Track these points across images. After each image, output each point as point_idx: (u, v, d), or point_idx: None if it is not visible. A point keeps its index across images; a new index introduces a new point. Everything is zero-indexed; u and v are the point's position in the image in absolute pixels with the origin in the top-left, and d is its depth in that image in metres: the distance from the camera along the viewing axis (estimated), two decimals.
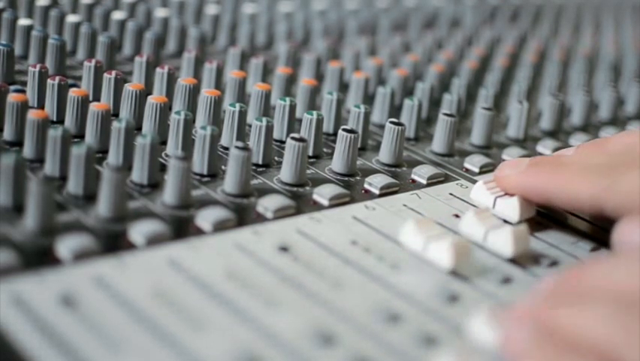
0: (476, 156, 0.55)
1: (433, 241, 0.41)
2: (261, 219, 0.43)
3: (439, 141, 0.56)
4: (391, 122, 0.52)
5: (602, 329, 0.30)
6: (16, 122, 0.47)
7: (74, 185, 0.42)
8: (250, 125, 0.51)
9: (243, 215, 0.43)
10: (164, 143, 0.49)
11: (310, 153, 0.52)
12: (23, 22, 0.62)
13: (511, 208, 0.46)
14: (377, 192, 0.48)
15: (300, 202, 0.45)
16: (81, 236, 0.38)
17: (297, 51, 0.68)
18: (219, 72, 0.58)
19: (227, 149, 0.50)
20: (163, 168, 0.46)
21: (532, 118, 0.64)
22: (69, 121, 0.49)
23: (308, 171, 0.49)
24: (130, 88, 0.51)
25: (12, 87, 0.51)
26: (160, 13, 0.72)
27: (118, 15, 0.68)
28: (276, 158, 0.51)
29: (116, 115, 0.53)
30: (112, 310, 0.34)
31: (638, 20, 1.09)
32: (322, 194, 0.46)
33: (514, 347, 0.32)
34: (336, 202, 0.46)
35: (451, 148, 0.56)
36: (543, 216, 0.48)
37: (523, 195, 0.46)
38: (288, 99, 0.53)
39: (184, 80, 0.54)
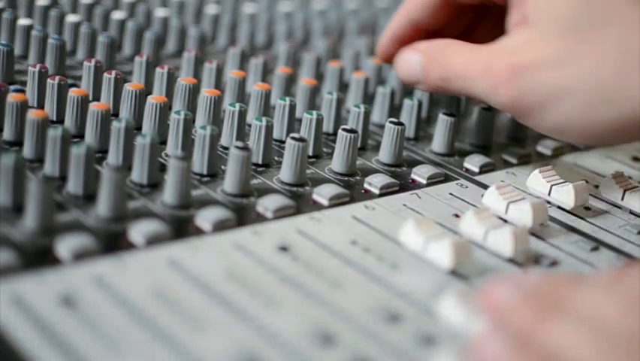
0: (476, 156, 0.55)
1: (432, 241, 0.41)
2: (260, 219, 0.43)
3: (439, 141, 0.56)
4: (391, 122, 0.52)
5: (578, 351, 0.30)
6: (16, 122, 0.47)
7: (74, 185, 0.42)
8: (250, 125, 0.51)
9: (242, 215, 0.43)
10: (164, 143, 0.49)
11: (310, 153, 0.52)
12: (23, 22, 0.62)
13: (524, 215, 0.46)
14: (377, 191, 0.48)
15: (300, 202, 0.45)
16: (81, 236, 0.38)
17: (297, 51, 0.68)
18: (219, 72, 0.58)
19: (227, 149, 0.50)
20: (163, 168, 0.46)
21: None
22: (69, 121, 0.49)
23: (308, 171, 0.49)
24: (130, 88, 0.51)
25: (12, 87, 0.51)
26: (160, 13, 0.72)
27: (118, 15, 0.68)
28: (275, 158, 0.51)
29: (116, 115, 0.53)
30: (112, 310, 0.34)
31: None
32: (322, 194, 0.46)
33: (487, 354, 0.31)
34: (336, 202, 0.46)
35: (451, 148, 0.56)
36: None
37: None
38: (287, 99, 0.53)
39: (184, 79, 0.54)
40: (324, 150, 0.53)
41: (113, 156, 0.46)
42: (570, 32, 0.46)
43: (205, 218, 0.41)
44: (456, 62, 0.50)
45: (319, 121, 0.52)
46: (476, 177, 0.53)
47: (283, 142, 0.50)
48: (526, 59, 0.47)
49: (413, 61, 0.53)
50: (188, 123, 0.48)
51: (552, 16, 0.47)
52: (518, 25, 0.49)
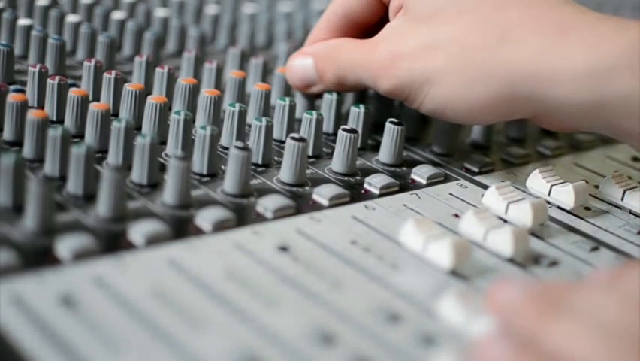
0: (476, 156, 0.55)
1: (432, 241, 0.41)
2: (260, 219, 0.43)
3: (438, 141, 0.56)
4: (391, 122, 0.52)
5: (580, 350, 0.30)
6: (15, 122, 0.47)
7: (74, 185, 0.42)
8: (250, 125, 0.51)
9: (242, 215, 0.43)
10: (164, 143, 0.49)
11: (310, 153, 0.52)
12: (23, 22, 0.62)
13: (524, 215, 0.46)
14: (377, 192, 0.48)
15: (300, 202, 0.45)
16: (81, 236, 0.38)
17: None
18: (219, 72, 0.58)
19: (227, 149, 0.50)
20: (163, 168, 0.46)
21: None
22: (69, 121, 0.49)
23: (308, 171, 0.49)
24: (130, 88, 0.51)
25: (12, 87, 0.51)
26: (160, 13, 0.71)
27: (118, 15, 0.68)
28: (275, 158, 0.51)
29: (116, 115, 0.53)
30: (112, 310, 0.34)
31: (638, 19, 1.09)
32: (322, 194, 0.46)
33: (491, 356, 0.31)
34: (336, 202, 0.46)
35: (451, 148, 0.56)
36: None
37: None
38: (287, 99, 0.53)
39: (184, 80, 0.54)
40: (324, 150, 0.53)
41: (113, 156, 0.46)
42: (435, 16, 0.48)
43: (205, 218, 0.41)
44: (346, 57, 0.53)
45: (319, 121, 0.52)
46: (476, 177, 0.53)
47: (283, 142, 0.50)
48: (401, 46, 0.49)
49: (305, 64, 0.55)
50: (188, 123, 0.48)
51: (420, 2, 0.49)
52: (396, 13, 0.51)
